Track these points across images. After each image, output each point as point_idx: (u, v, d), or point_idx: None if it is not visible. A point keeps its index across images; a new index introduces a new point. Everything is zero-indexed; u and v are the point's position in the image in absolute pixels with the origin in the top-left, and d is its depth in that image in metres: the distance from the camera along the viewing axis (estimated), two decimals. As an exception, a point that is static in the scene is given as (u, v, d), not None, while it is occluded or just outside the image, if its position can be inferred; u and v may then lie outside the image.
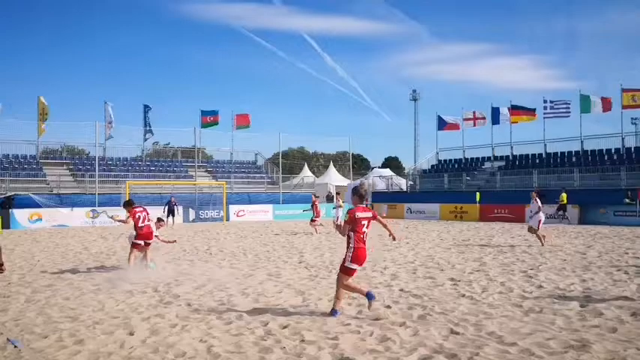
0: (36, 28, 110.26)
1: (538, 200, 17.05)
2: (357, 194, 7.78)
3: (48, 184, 34.55)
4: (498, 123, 39.64)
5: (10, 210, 28.18)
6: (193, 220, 33.01)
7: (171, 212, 28.78)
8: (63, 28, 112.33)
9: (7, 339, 6.36)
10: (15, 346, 6.02)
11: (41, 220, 28.81)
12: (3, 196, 29.94)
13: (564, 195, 28.78)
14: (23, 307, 8.58)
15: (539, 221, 16.98)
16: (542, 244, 16.91)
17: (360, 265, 7.80)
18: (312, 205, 24.30)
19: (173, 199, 29.83)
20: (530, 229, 17.46)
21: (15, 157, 36.61)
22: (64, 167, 37.85)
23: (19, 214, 28.27)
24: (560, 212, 28.83)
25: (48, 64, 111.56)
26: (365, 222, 7.67)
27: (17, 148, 36.97)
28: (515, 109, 38.71)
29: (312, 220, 23.80)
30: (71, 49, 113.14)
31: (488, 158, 41.18)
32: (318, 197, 27.02)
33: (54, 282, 11.02)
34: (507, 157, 40.13)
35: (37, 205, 29.58)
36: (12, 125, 35.77)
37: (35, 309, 8.45)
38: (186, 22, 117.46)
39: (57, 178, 35.37)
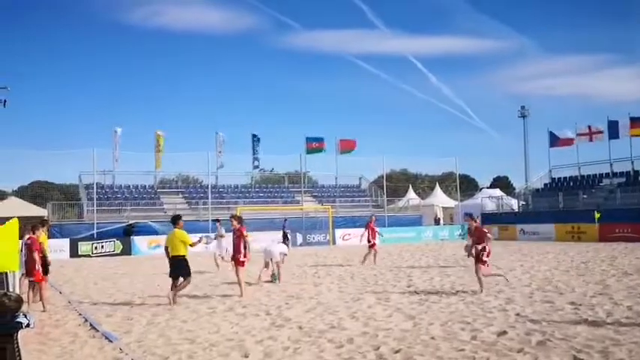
0: (152, 65, 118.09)
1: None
2: None
3: (165, 212, 36.37)
4: (617, 137, 37.19)
5: (132, 237, 30.03)
6: (301, 244, 33.47)
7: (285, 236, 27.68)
8: (179, 63, 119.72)
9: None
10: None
11: (160, 246, 30.28)
12: (125, 224, 31.99)
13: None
14: (145, 329, 9.03)
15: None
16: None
17: None
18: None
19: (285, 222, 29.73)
20: None
21: (135, 187, 39.15)
22: (180, 196, 39.86)
23: (140, 241, 30.00)
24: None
25: (164, 97, 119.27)
26: None
27: (137, 178, 39.69)
28: (635, 122, 36.18)
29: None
30: (185, 84, 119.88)
31: (607, 175, 38.71)
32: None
33: (172, 305, 11.52)
34: (628, 172, 37.48)
35: (155, 232, 31.18)
36: (132, 157, 38.22)
37: (156, 331, 8.87)
38: (290, 51, 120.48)
39: (173, 206, 37.23)
